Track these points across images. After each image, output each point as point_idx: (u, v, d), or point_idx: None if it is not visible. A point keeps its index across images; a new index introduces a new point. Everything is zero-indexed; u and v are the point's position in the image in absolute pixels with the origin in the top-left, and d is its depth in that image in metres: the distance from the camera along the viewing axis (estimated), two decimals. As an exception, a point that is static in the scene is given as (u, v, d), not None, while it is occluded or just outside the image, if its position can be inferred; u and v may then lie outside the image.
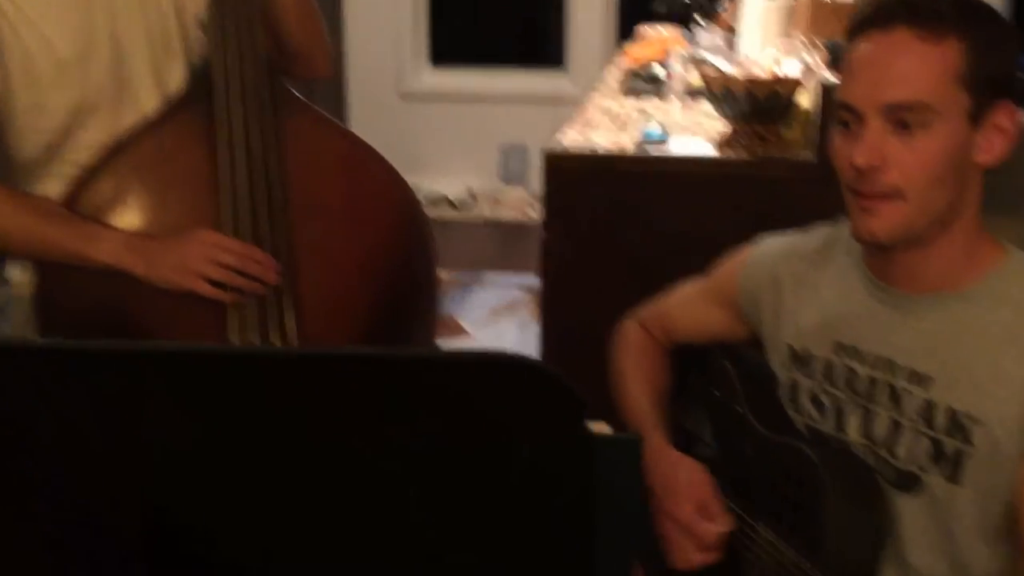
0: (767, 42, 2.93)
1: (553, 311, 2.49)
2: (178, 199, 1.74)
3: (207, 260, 1.66)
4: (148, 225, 1.71)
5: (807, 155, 2.39)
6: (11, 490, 0.86)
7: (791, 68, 2.71)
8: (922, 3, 1.32)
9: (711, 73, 2.62)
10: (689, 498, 1.49)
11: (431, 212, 2.87)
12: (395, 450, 0.83)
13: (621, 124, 2.69)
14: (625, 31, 4.36)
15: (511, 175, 4.80)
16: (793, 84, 2.52)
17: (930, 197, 1.32)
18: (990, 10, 1.36)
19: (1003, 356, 1.31)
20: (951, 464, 1.33)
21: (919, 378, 1.36)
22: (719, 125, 2.58)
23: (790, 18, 3.00)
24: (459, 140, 4.83)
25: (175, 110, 1.76)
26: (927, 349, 1.36)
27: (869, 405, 1.41)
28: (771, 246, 1.60)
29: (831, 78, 2.39)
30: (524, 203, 4.69)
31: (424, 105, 4.85)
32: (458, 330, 3.97)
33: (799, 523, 1.41)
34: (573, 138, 2.55)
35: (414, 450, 0.83)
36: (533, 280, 3.45)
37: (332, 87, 4.61)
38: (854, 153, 1.32)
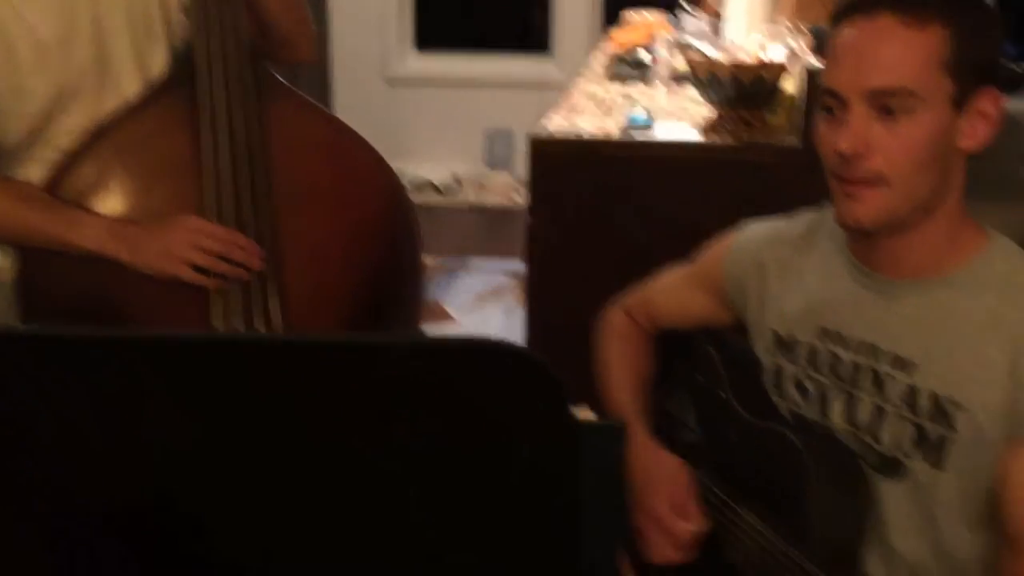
0: (752, 27, 2.93)
1: (539, 296, 2.50)
2: (161, 184, 1.73)
3: (190, 246, 1.65)
4: (131, 210, 1.70)
5: (792, 140, 2.40)
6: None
7: (776, 53, 2.71)
8: (906, -11, 1.32)
9: (696, 58, 2.61)
10: (666, 495, 1.49)
11: (416, 197, 2.86)
12: (379, 437, 0.83)
13: (606, 109, 2.69)
14: (611, 16, 4.35)
15: (496, 160, 4.80)
16: (778, 69, 2.53)
17: (914, 183, 1.33)
18: (974, -5, 1.36)
19: (986, 342, 1.31)
20: (934, 449, 1.33)
21: (902, 363, 1.37)
22: (704, 110, 2.58)
23: (775, 3, 3.01)
24: (444, 125, 4.82)
25: (158, 94, 1.75)
26: (910, 334, 1.37)
27: (853, 390, 1.42)
28: (756, 231, 1.60)
29: (816, 63, 2.39)
30: (509, 188, 4.68)
31: (409, 90, 4.84)
32: (443, 315, 3.97)
33: (783, 508, 1.42)
34: (558, 123, 2.55)
35: (398, 436, 0.83)
36: (518, 265, 3.44)
37: (317, 72, 4.59)
38: (838, 139, 1.32)
